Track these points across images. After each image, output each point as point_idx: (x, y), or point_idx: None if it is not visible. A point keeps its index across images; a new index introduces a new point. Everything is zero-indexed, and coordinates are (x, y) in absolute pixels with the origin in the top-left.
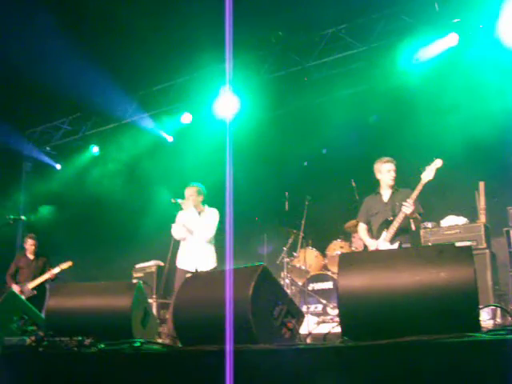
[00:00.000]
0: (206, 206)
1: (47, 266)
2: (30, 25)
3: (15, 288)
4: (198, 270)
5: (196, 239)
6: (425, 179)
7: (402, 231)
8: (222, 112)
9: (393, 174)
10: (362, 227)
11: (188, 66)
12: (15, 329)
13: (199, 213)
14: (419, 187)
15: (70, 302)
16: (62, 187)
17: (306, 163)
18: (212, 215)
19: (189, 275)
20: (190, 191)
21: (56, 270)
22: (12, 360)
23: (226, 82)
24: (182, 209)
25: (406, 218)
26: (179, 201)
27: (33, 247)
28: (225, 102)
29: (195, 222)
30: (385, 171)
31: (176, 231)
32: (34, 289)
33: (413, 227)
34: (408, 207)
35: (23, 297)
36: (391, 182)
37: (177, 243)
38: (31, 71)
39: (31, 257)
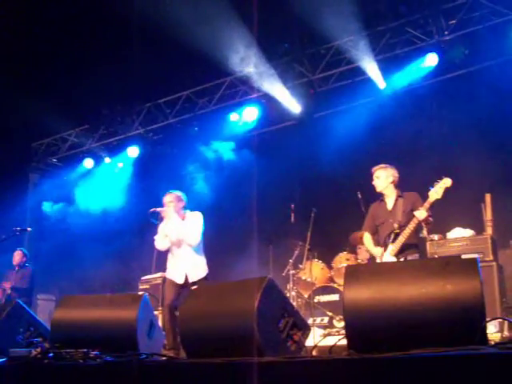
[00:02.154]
0: (188, 211)
1: (25, 278)
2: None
3: None
4: (189, 281)
5: (183, 248)
6: (432, 198)
7: (409, 246)
8: (229, 124)
9: (375, 183)
10: (368, 237)
11: (195, 79)
12: (21, 340)
13: (181, 219)
14: (426, 205)
15: (76, 313)
16: (68, 199)
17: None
18: (195, 219)
19: (178, 286)
20: (170, 198)
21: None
22: (18, 372)
23: (232, 93)
24: (161, 218)
25: (418, 227)
26: (158, 209)
27: (16, 257)
28: (232, 114)
29: (179, 230)
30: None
31: (159, 243)
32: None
33: (425, 233)
34: (421, 213)
35: None
36: (377, 190)
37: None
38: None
39: (16, 269)
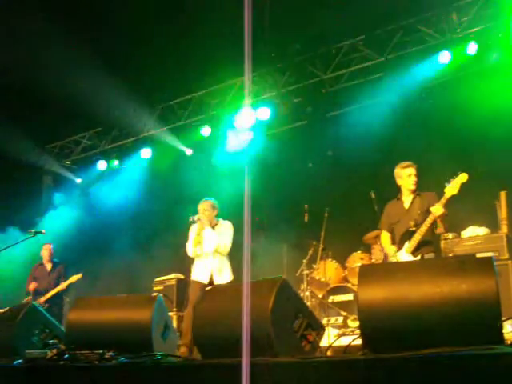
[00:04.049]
0: (220, 219)
1: (62, 276)
2: (51, 40)
3: (32, 288)
4: (214, 282)
5: (211, 253)
6: (448, 193)
7: (425, 243)
8: (240, 125)
9: (414, 179)
10: (386, 236)
11: (207, 80)
12: (36, 342)
13: (213, 227)
14: (443, 201)
15: (91, 315)
16: (81, 201)
17: (310, 164)
18: (227, 229)
19: (204, 287)
20: (205, 206)
21: (66, 283)
22: (33, 373)
23: (244, 94)
24: (194, 222)
25: (432, 224)
26: (195, 218)
27: (48, 252)
28: (243, 115)
29: (213, 240)
30: (405, 176)
31: (191, 250)
32: (46, 301)
33: (442, 229)
34: (438, 209)
35: None
36: (413, 187)
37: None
38: (51, 86)
39: (48, 266)
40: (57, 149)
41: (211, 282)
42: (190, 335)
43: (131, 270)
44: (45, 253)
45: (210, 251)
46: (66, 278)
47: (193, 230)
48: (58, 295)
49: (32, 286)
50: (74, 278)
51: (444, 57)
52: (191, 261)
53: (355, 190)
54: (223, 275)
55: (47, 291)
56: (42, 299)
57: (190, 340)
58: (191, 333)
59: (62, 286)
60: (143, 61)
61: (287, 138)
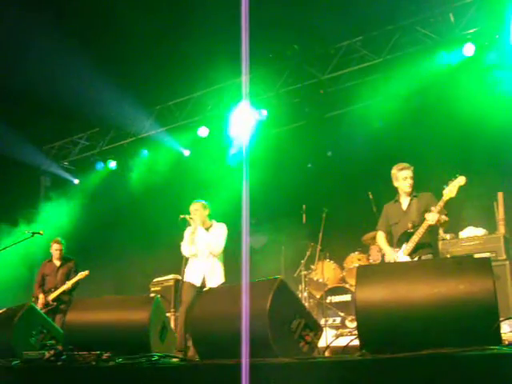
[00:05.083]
0: (214, 221)
1: (72, 272)
2: (48, 41)
3: (41, 298)
4: (206, 285)
5: (204, 255)
6: (446, 197)
7: (423, 245)
8: (238, 125)
9: (409, 182)
10: (381, 236)
11: (205, 80)
12: (34, 343)
13: (207, 228)
14: (441, 204)
15: (89, 316)
16: (79, 201)
17: (310, 165)
18: (220, 230)
19: (196, 289)
20: (195, 206)
21: (71, 281)
22: (31, 374)
23: (242, 95)
24: (189, 225)
25: (431, 228)
26: (187, 217)
27: (58, 252)
28: (241, 116)
29: (205, 240)
30: (401, 179)
31: (186, 249)
32: (54, 300)
33: (441, 233)
34: (433, 217)
35: (49, 307)
36: (408, 190)
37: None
38: (49, 87)
39: (57, 263)
40: (54, 149)
41: (203, 285)
42: (182, 338)
43: (128, 271)
44: (54, 249)
45: (203, 251)
46: (76, 275)
47: (188, 230)
48: (68, 292)
49: (40, 300)
50: (81, 276)
51: (442, 58)
52: (185, 262)
53: (353, 190)
54: (215, 278)
55: (56, 289)
56: (50, 297)
57: (181, 344)
58: (184, 336)
59: (68, 284)
60: (141, 62)
61: (286, 139)
